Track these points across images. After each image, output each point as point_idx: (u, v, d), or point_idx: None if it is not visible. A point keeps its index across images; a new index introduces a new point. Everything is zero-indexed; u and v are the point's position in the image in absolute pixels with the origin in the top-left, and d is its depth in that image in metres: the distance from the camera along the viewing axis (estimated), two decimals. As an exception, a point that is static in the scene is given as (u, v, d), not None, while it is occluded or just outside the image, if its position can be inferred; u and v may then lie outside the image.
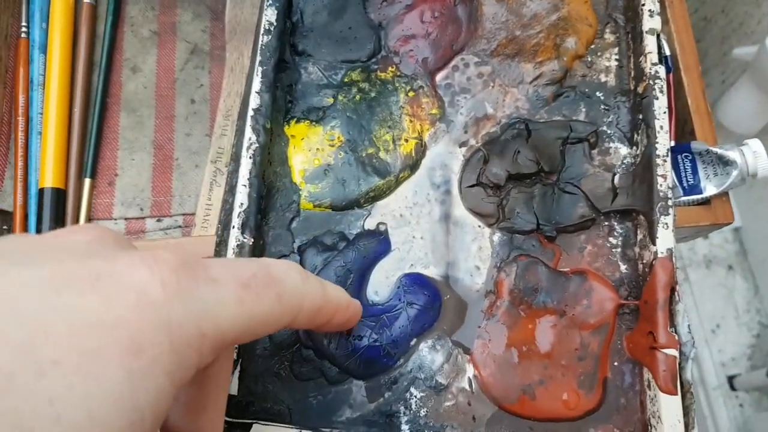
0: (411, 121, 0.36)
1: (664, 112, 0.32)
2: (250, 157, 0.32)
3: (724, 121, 0.85)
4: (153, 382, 0.16)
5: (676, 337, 0.28)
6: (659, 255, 0.29)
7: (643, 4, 0.35)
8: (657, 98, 0.33)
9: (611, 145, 0.34)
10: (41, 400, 0.14)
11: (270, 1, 0.35)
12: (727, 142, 0.87)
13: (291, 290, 0.21)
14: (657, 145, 0.31)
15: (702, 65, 1.07)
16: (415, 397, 0.30)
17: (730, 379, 0.83)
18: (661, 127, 0.32)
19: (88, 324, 0.15)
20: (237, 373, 0.30)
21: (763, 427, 0.80)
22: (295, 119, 0.35)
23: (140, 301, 0.16)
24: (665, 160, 0.31)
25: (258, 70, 0.33)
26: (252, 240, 0.31)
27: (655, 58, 0.34)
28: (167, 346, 0.16)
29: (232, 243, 0.31)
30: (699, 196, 0.33)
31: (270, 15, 0.35)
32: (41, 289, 0.15)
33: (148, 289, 0.16)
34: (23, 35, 0.41)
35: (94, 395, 0.14)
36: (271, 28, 0.34)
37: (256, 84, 0.33)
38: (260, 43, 0.34)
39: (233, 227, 0.31)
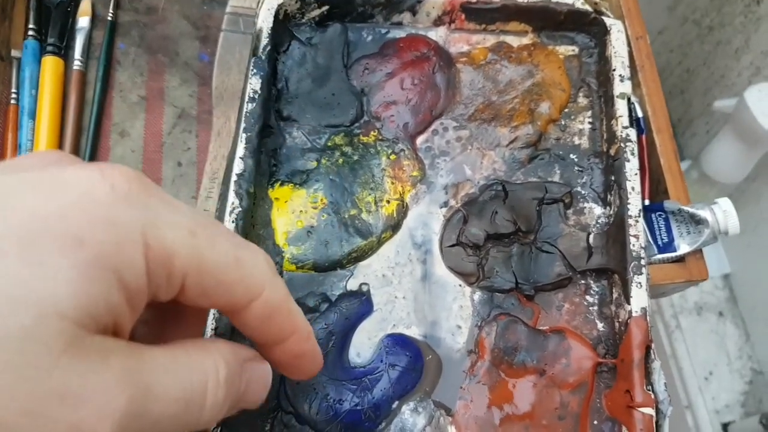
0: (393, 183, 0.37)
1: (636, 174, 0.33)
2: (233, 221, 0.33)
3: (708, 172, 0.87)
4: (101, 275, 0.15)
5: (652, 396, 0.28)
6: (634, 314, 0.30)
7: (614, 69, 0.37)
8: (628, 160, 0.34)
9: (585, 205, 0.35)
10: None
11: (255, 70, 0.36)
12: (713, 190, 0.88)
13: (252, 265, 0.19)
14: (629, 206, 0.32)
15: (687, 115, 1.10)
16: (398, 460, 0.30)
17: (725, 427, 0.83)
18: (633, 189, 0.33)
19: (29, 217, 0.15)
20: (218, 439, 0.30)
21: (759, 477, 0.79)
22: (279, 182, 0.36)
23: (83, 199, 0.16)
24: (637, 221, 0.32)
25: (242, 137, 0.34)
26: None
27: (626, 121, 0.35)
28: (111, 245, 0.16)
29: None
30: (673, 254, 0.34)
31: (254, 83, 0.36)
32: None
33: (94, 189, 0.16)
34: (13, 101, 0.43)
35: (39, 277, 0.15)
36: (256, 96, 0.36)
37: (240, 150, 0.34)
38: (245, 110, 0.35)
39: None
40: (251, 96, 0.36)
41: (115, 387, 0.15)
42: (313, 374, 0.24)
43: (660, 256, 0.34)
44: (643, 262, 0.31)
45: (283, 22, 0.38)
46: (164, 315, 0.22)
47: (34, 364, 0.14)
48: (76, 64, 0.43)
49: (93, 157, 0.42)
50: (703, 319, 0.93)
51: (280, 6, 0.38)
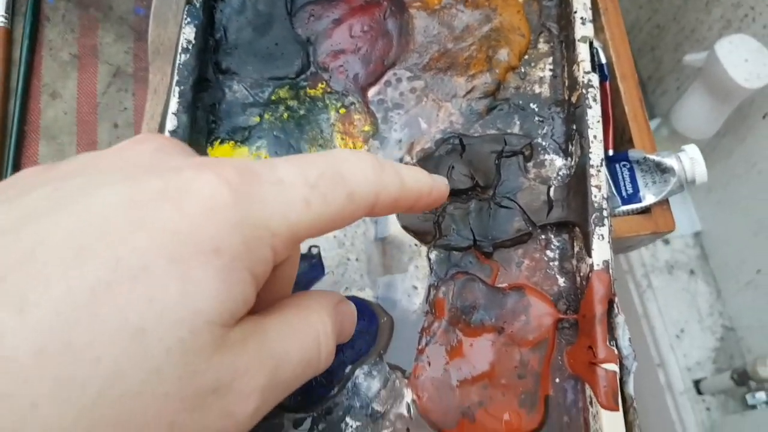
0: (343, 139, 0.34)
1: (598, 121, 0.32)
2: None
3: (678, 128, 0.85)
4: (238, 276, 0.17)
5: (616, 352, 0.27)
6: (595, 267, 0.28)
7: (575, 12, 0.34)
8: (590, 107, 0.32)
9: (546, 157, 0.33)
10: (142, 301, 0.15)
11: (188, 19, 0.33)
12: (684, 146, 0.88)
13: (363, 187, 0.20)
14: (590, 156, 0.31)
15: (657, 72, 1.08)
16: (351, 427, 0.29)
17: (696, 384, 0.83)
18: (595, 137, 0.31)
19: (167, 232, 0.16)
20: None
21: (730, 431, 0.79)
22: (219, 140, 0.34)
23: (210, 206, 0.17)
24: (599, 170, 0.30)
25: (175, 90, 0.32)
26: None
27: (588, 66, 0.33)
28: (242, 246, 0.17)
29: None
30: (638, 205, 0.33)
31: (188, 33, 0.33)
32: (121, 206, 0.16)
33: (216, 193, 0.17)
34: (-64, 62, 0.39)
35: (189, 292, 0.16)
36: (190, 47, 0.33)
37: (173, 105, 0.31)
38: (178, 62, 0.33)
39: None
40: (185, 47, 0.33)
41: (255, 368, 0.18)
42: (443, 201, 0.25)
43: (624, 208, 0.33)
44: (605, 213, 0.29)
45: (220, -33, 0.36)
46: None
47: (192, 370, 0.16)
48: (1, 21, 0.40)
49: (23, 120, 0.39)
50: (675, 277, 0.93)
51: (216, -51, 0.35)
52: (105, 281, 0.15)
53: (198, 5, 0.34)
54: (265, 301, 0.21)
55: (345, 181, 0.19)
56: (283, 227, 0.18)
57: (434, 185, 0.23)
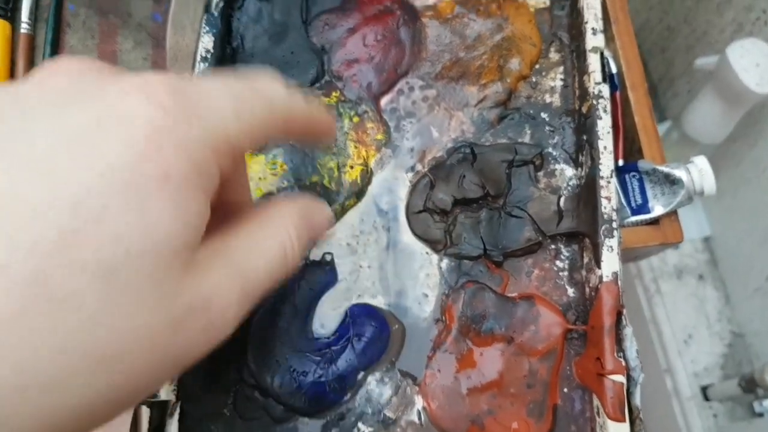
0: (356, 147, 0.35)
1: (608, 132, 0.32)
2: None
3: (688, 132, 0.85)
4: (191, 197, 0.17)
5: (623, 363, 0.27)
6: (604, 279, 0.29)
7: (586, 22, 0.35)
8: (600, 118, 0.32)
9: (557, 166, 0.34)
10: (109, 241, 0.15)
11: (207, 28, 0.34)
12: (694, 151, 0.87)
13: (279, 101, 0.21)
14: (600, 167, 0.31)
15: (668, 74, 1.08)
16: (362, 433, 0.29)
17: (704, 390, 0.83)
18: (605, 148, 0.31)
19: (113, 165, 0.16)
20: (177, 416, 0.29)
21: (737, 437, 0.79)
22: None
23: (150, 130, 0.17)
24: (609, 182, 0.31)
25: (193, 100, 0.32)
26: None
27: (598, 77, 0.33)
28: (189, 166, 0.17)
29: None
30: (647, 216, 0.33)
31: (207, 42, 0.34)
32: (62, 146, 0.16)
33: (152, 115, 0.17)
34: (-41, 67, 0.40)
35: (149, 223, 0.16)
36: (208, 56, 0.34)
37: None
38: (197, 70, 0.33)
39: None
40: (203, 55, 0.33)
41: (225, 284, 0.19)
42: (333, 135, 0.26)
43: (633, 219, 0.33)
44: (614, 224, 0.30)
45: (237, -24, 0.36)
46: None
47: (167, 296, 0.17)
48: (24, 27, 0.41)
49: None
50: (683, 282, 0.93)
51: (233, -42, 0.35)
52: (69, 229, 0.15)
53: (216, 14, 0.34)
54: (225, 213, 0.22)
55: (265, 94, 0.20)
56: (222, 141, 0.18)
57: (329, 118, 0.25)
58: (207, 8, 0.34)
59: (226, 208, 0.22)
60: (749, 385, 0.74)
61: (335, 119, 0.25)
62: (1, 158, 0.15)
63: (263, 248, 0.21)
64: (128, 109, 0.17)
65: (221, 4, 0.34)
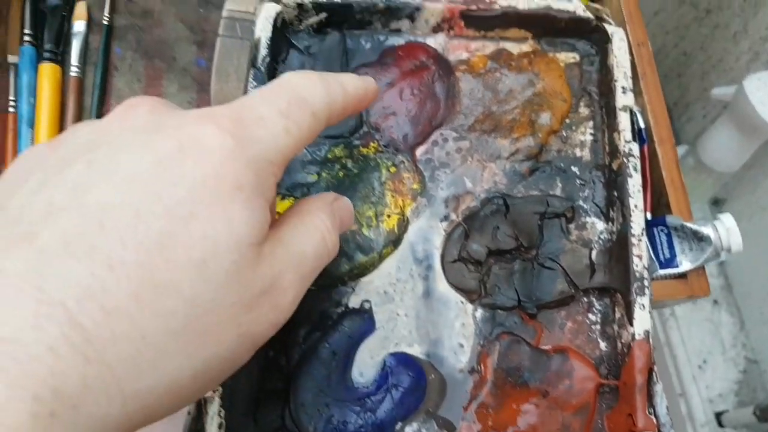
0: (393, 197, 0.36)
1: (639, 191, 0.33)
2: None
3: (705, 160, 0.86)
4: (258, 203, 0.21)
5: (654, 420, 0.28)
6: (637, 337, 0.30)
7: (616, 80, 0.36)
8: (631, 176, 0.33)
9: (587, 219, 0.35)
10: (199, 239, 0.19)
11: (254, 83, 0.36)
12: (710, 178, 0.88)
13: (320, 104, 0.24)
14: (632, 224, 0.32)
15: (683, 99, 1.08)
16: (401, 480, 0.30)
17: (718, 416, 0.84)
18: (636, 206, 0.33)
19: (197, 182, 0.20)
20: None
21: (751, 465, 0.80)
22: (281, 196, 0.36)
23: (223, 153, 0.21)
24: (640, 240, 0.32)
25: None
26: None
27: (628, 135, 0.35)
28: (255, 179, 0.21)
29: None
30: (675, 270, 0.34)
31: (253, 97, 0.35)
32: (152, 169, 0.20)
33: (223, 142, 0.21)
34: (11, 110, 0.42)
35: (230, 224, 0.20)
36: (255, 111, 0.35)
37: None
38: (244, 125, 0.35)
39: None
40: (250, 110, 0.35)
41: (285, 268, 0.23)
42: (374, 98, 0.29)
43: (662, 272, 0.34)
44: (646, 282, 0.31)
45: (281, 30, 0.38)
46: None
47: (246, 282, 0.21)
48: (73, 71, 0.43)
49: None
50: (698, 306, 0.94)
51: (278, 14, 0.37)
52: (166, 231, 0.19)
53: (263, 69, 0.36)
54: (272, 213, 0.26)
55: (307, 103, 0.24)
56: (277, 156, 0.22)
57: (368, 87, 0.28)
58: (254, 63, 0.36)
59: (273, 209, 0.26)
60: (764, 414, 0.75)
61: (371, 83, 0.29)
62: (105, 176, 0.19)
63: (308, 237, 0.25)
64: (203, 136, 0.21)
65: (267, 59, 0.36)
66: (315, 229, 0.25)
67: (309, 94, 0.24)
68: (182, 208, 0.19)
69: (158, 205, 0.19)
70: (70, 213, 0.19)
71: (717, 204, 0.97)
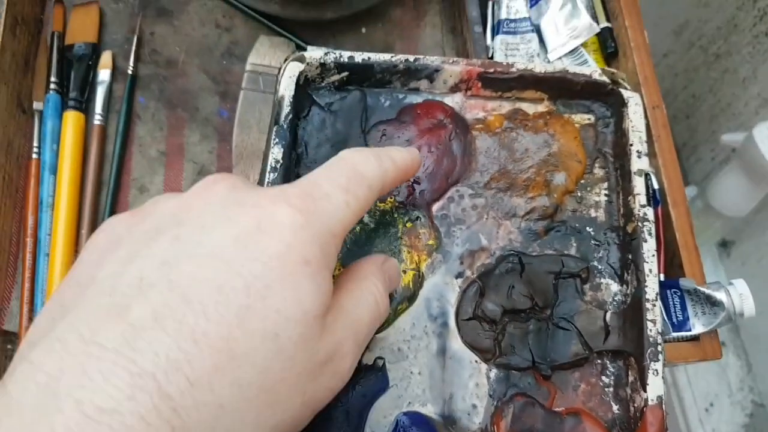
0: (409, 252, 0.37)
1: (653, 255, 0.34)
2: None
3: (714, 204, 0.87)
4: (323, 276, 0.23)
5: (668, 489, 0.29)
6: (650, 402, 0.30)
7: (631, 144, 0.37)
8: (646, 241, 0.34)
9: (602, 280, 0.36)
10: (272, 313, 0.21)
11: (277, 139, 0.36)
12: (718, 222, 0.88)
13: (375, 178, 0.27)
14: (646, 289, 0.33)
15: (691, 140, 1.09)
16: None
17: (726, 462, 0.83)
18: (650, 271, 0.33)
19: (272, 257, 0.21)
20: None
21: None
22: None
23: (294, 230, 0.22)
24: (654, 305, 0.32)
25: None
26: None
27: (643, 199, 0.35)
28: (320, 252, 0.23)
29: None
30: (687, 333, 0.35)
31: (276, 153, 0.36)
32: (232, 245, 0.21)
33: (294, 220, 0.22)
34: (34, 156, 0.43)
35: (298, 298, 0.22)
36: (278, 166, 0.36)
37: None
38: (266, 180, 0.35)
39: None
40: (273, 165, 0.36)
41: (345, 337, 0.24)
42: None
43: (674, 335, 0.35)
44: (659, 348, 0.31)
45: (303, 87, 0.39)
46: None
47: (311, 352, 0.22)
48: (97, 119, 0.44)
49: (113, 211, 0.42)
50: (706, 349, 0.94)
51: (301, 72, 0.38)
52: (245, 305, 0.20)
53: (285, 127, 0.37)
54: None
55: (364, 178, 0.26)
56: (339, 228, 0.24)
57: (414, 158, 0.31)
58: (276, 120, 0.37)
59: None
60: (772, 462, 0.75)
61: (415, 154, 0.31)
62: (190, 252, 0.21)
63: (364, 302, 0.26)
64: (278, 214, 0.23)
65: (290, 117, 0.37)
66: (370, 294, 0.27)
67: (365, 169, 0.26)
68: (258, 283, 0.21)
69: (238, 280, 0.21)
70: (160, 287, 0.20)
71: (725, 246, 0.98)
